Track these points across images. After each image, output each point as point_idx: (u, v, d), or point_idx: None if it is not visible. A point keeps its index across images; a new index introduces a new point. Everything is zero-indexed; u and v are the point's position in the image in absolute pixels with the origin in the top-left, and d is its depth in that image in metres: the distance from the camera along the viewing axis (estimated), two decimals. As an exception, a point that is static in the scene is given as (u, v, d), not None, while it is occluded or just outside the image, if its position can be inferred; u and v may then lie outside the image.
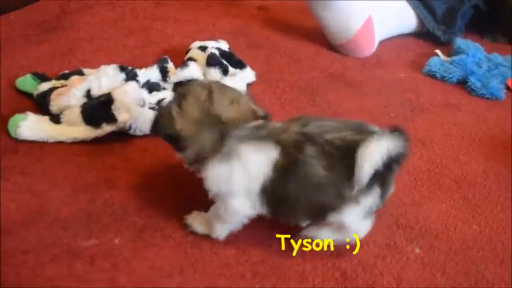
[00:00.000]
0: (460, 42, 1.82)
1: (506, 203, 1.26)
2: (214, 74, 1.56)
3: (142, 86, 1.47)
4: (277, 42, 1.87)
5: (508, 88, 1.67)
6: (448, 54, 1.83)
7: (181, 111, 1.07)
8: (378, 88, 1.64)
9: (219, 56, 1.61)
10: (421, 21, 1.91)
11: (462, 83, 1.69)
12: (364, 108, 1.54)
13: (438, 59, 1.76)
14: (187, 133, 1.06)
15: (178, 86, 1.50)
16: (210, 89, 1.08)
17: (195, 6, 2.12)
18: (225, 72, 1.58)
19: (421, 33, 1.94)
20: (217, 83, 1.16)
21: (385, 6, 1.84)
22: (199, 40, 1.72)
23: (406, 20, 1.90)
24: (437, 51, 1.82)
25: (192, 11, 2.08)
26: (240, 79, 1.58)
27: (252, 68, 1.66)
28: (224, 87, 1.11)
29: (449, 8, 1.90)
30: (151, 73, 1.54)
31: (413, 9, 1.89)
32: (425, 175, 1.33)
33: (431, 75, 1.72)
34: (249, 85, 1.61)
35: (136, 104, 1.38)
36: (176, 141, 1.08)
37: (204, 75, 1.57)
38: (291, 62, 1.72)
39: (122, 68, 1.47)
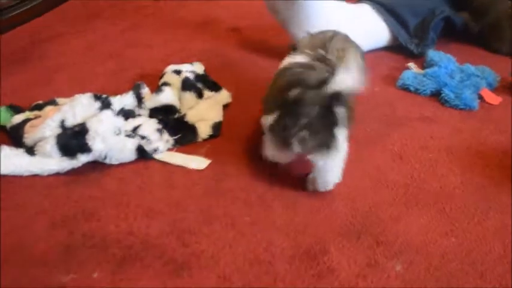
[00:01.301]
0: (433, 54, 1.83)
1: (484, 215, 1.27)
2: (190, 97, 1.56)
3: (118, 113, 1.46)
4: (252, 62, 1.87)
5: (481, 98, 1.69)
6: (422, 66, 1.84)
7: None
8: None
9: (193, 79, 1.61)
10: (393, 35, 1.92)
11: (436, 95, 1.70)
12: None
13: (411, 72, 1.77)
14: None
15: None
16: None
17: (168, 30, 2.13)
18: (200, 95, 1.58)
19: (394, 47, 1.95)
20: None
21: (357, 21, 1.85)
22: (174, 64, 1.72)
23: (379, 34, 1.92)
24: (411, 64, 1.84)
25: (165, 35, 2.08)
26: (216, 101, 1.58)
27: (228, 89, 1.66)
28: None
29: (421, 21, 1.92)
30: (126, 100, 1.53)
31: (386, 23, 1.91)
32: (403, 190, 1.33)
33: (405, 89, 1.74)
34: (225, 107, 1.61)
35: (111, 132, 1.38)
36: None
37: (180, 99, 1.57)
38: (266, 83, 1.72)
39: (96, 97, 1.47)
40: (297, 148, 1.23)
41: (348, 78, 1.17)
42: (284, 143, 1.24)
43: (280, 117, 1.23)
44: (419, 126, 1.57)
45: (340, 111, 1.20)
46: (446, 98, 1.66)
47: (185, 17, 2.26)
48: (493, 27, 1.99)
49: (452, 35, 2.01)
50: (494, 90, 1.74)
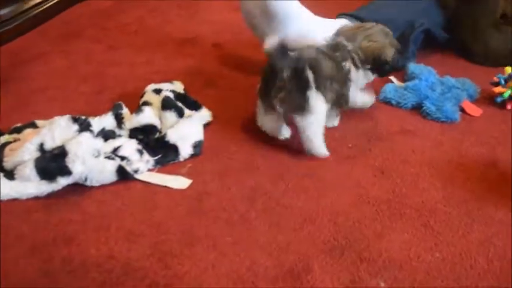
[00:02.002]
0: (413, 67, 1.84)
1: (467, 228, 1.26)
2: (170, 117, 1.55)
3: (97, 135, 1.45)
4: (233, 80, 1.87)
5: (462, 110, 1.69)
6: (403, 79, 1.85)
7: None
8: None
9: (173, 98, 1.61)
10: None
11: (417, 108, 1.70)
12: (329, 145, 1.54)
13: (393, 86, 1.78)
14: None
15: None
16: None
17: (149, 49, 2.12)
18: (181, 114, 1.58)
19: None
20: None
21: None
22: (154, 83, 1.71)
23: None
24: (392, 77, 1.84)
25: (146, 53, 2.08)
26: (196, 120, 1.58)
27: (208, 107, 1.66)
28: None
29: (401, 34, 1.92)
30: (105, 121, 1.52)
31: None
32: (386, 205, 1.33)
33: (387, 102, 1.74)
34: (205, 125, 1.60)
35: (91, 154, 1.36)
36: None
37: (160, 118, 1.56)
38: (247, 100, 1.72)
39: (75, 119, 1.46)
40: (279, 108, 1.43)
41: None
42: (269, 105, 1.45)
43: (262, 82, 1.45)
44: (400, 140, 1.57)
45: (310, 75, 1.40)
46: (427, 110, 1.67)
47: (168, 34, 2.26)
48: (473, 38, 2.00)
49: (434, 46, 2.02)
50: (475, 101, 1.75)
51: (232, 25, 2.27)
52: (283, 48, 1.40)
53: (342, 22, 1.93)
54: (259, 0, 1.77)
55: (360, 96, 1.60)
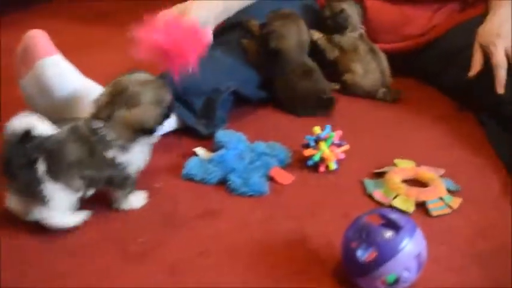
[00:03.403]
0: (221, 135, 1.68)
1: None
2: None
3: None
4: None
5: (272, 179, 1.55)
6: (211, 149, 1.68)
7: None
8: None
9: None
10: (181, 117, 1.75)
11: (224, 182, 1.54)
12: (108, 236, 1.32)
13: (197, 159, 1.60)
14: None
15: None
16: None
17: None
18: None
19: (185, 129, 1.78)
20: None
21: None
22: None
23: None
24: (197, 149, 1.67)
25: None
26: None
27: None
28: None
29: (207, 100, 1.77)
30: None
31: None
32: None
33: (191, 179, 1.56)
34: None
35: None
36: None
37: None
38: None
39: None
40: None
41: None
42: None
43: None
44: (201, 225, 1.39)
45: (42, 167, 1.24)
46: (233, 185, 1.50)
47: None
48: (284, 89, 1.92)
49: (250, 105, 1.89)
50: (288, 166, 1.62)
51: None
52: (18, 133, 1.21)
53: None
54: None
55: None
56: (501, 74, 1.72)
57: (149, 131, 1.37)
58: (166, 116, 1.40)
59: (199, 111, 1.76)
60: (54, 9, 2.92)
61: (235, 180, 1.51)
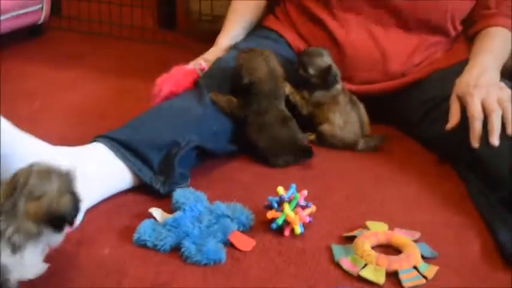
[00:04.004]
0: (178, 194, 1.55)
1: None
2: None
3: None
4: None
5: (231, 244, 1.41)
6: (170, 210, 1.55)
7: None
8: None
9: None
10: (136, 175, 1.62)
11: (178, 249, 1.40)
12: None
13: (150, 222, 1.46)
14: None
15: None
16: None
17: None
18: None
19: (142, 186, 1.65)
20: None
21: (87, 165, 1.53)
22: None
23: (119, 175, 1.61)
24: (152, 210, 1.53)
25: None
26: None
27: None
28: None
29: (166, 155, 1.64)
30: None
31: (124, 162, 1.60)
32: None
33: (143, 245, 1.42)
34: None
35: None
36: None
37: None
38: None
39: None
40: None
41: None
42: None
43: None
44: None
45: None
46: (186, 253, 1.37)
47: None
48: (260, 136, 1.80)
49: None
50: (249, 230, 1.48)
51: None
52: None
53: (97, 147, 1.62)
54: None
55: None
56: (476, 127, 1.60)
57: (59, 221, 1.16)
58: (75, 207, 1.19)
59: (158, 167, 1.63)
60: (25, 51, 2.82)
61: (189, 246, 1.37)
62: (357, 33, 1.97)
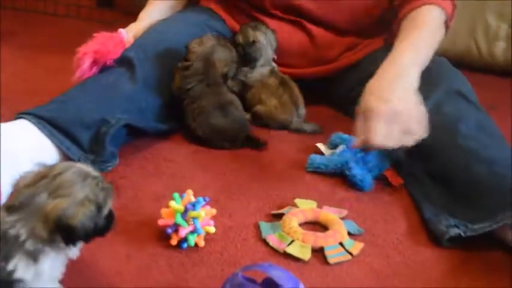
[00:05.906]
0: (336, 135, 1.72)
1: None
2: None
3: None
4: None
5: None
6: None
7: None
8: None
9: None
10: (64, 152, 1.57)
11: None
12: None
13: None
14: None
15: None
16: None
17: None
18: None
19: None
20: None
21: (13, 140, 1.47)
22: None
23: (46, 152, 1.55)
24: (320, 144, 1.70)
25: None
26: None
27: None
28: None
29: (95, 134, 1.59)
30: None
31: (51, 140, 1.55)
32: None
33: (316, 168, 1.63)
34: None
35: None
36: None
37: None
38: None
39: None
40: None
41: None
42: None
43: None
44: None
45: None
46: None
47: None
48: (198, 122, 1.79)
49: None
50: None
51: None
52: None
53: (22, 124, 1.56)
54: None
55: None
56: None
57: (69, 230, 0.97)
58: (96, 224, 1.02)
59: (88, 146, 1.59)
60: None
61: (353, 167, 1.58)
62: (287, 25, 1.99)
